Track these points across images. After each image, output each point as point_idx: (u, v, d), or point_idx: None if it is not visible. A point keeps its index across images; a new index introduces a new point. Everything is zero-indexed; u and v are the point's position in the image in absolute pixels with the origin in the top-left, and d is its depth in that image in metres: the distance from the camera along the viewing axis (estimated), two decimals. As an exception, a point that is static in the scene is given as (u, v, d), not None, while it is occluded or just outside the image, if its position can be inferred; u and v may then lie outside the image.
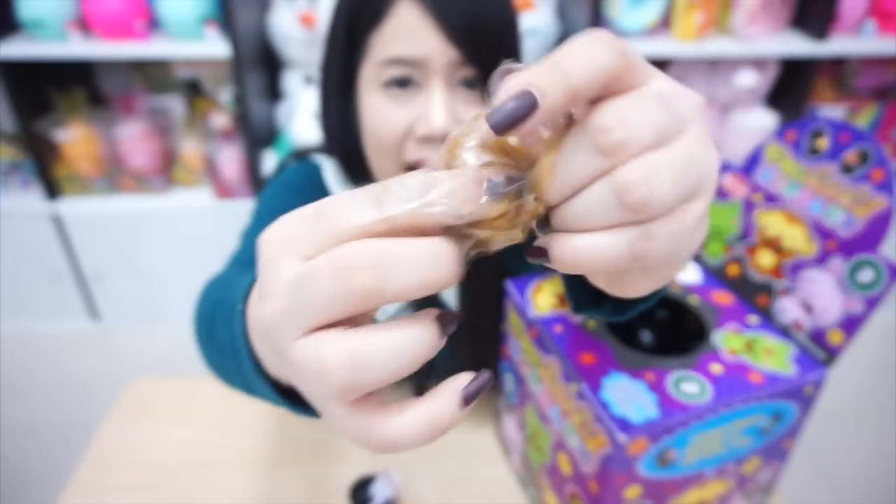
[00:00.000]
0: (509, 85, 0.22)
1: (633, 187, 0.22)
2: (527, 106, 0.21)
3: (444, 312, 0.23)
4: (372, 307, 0.22)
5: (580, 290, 0.39)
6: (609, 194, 0.22)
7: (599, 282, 0.31)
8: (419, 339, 0.22)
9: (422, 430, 0.23)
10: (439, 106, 0.55)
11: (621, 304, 0.38)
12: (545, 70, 0.21)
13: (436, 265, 0.22)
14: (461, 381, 0.24)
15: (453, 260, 0.22)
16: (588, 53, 0.22)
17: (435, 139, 0.56)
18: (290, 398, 0.34)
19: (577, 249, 0.24)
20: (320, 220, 0.22)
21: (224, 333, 0.48)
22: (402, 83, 0.56)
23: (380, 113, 0.57)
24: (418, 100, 0.57)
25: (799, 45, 1.51)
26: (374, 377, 0.22)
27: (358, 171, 0.66)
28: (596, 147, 0.22)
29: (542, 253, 0.26)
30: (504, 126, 0.22)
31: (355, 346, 0.22)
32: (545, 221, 0.26)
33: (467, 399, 0.23)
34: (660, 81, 0.24)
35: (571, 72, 0.21)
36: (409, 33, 0.54)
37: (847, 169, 0.52)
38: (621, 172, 0.22)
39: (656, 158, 0.22)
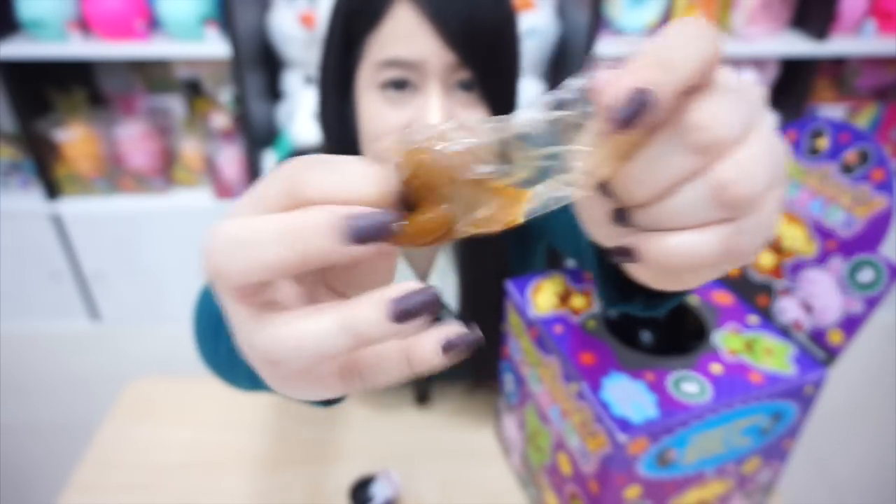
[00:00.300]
0: (622, 83, 0.21)
1: (730, 186, 0.22)
2: (643, 106, 0.21)
3: (406, 294, 0.21)
4: (242, 284, 0.21)
5: (611, 285, 0.39)
6: (704, 193, 0.22)
7: (644, 276, 0.30)
8: (338, 328, 0.21)
9: (399, 367, 0.23)
10: (436, 108, 0.55)
11: (653, 299, 0.38)
12: (656, 66, 0.21)
13: (298, 243, 0.20)
14: (447, 332, 0.22)
15: (325, 238, 0.20)
16: (693, 46, 0.21)
17: None
18: None
19: (670, 249, 0.24)
20: (254, 188, 0.23)
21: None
22: (399, 85, 0.56)
23: (376, 114, 0.57)
24: (415, 102, 0.57)
25: (799, 45, 1.51)
26: (296, 363, 0.21)
27: None
28: (691, 145, 0.22)
29: (627, 252, 0.25)
30: (622, 128, 0.21)
31: (266, 334, 0.21)
32: (621, 218, 0.25)
33: (447, 347, 0.22)
34: (727, 72, 0.24)
35: (680, 67, 0.21)
36: (405, 35, 0.54)
37: (847, 169, 0.52)
38: (718, 171, 0.22)
39: (747, 154, 0.22)
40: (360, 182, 0.21)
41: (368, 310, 0.20)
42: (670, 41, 0.21)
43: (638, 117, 0.21)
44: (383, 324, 0.20)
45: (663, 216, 0.23)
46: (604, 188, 0.24)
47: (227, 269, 0.21)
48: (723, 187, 0.22)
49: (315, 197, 0.21)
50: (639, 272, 0.30)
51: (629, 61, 0.21)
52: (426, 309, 0.21)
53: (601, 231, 0.29)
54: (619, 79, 0.21)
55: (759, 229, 0.23)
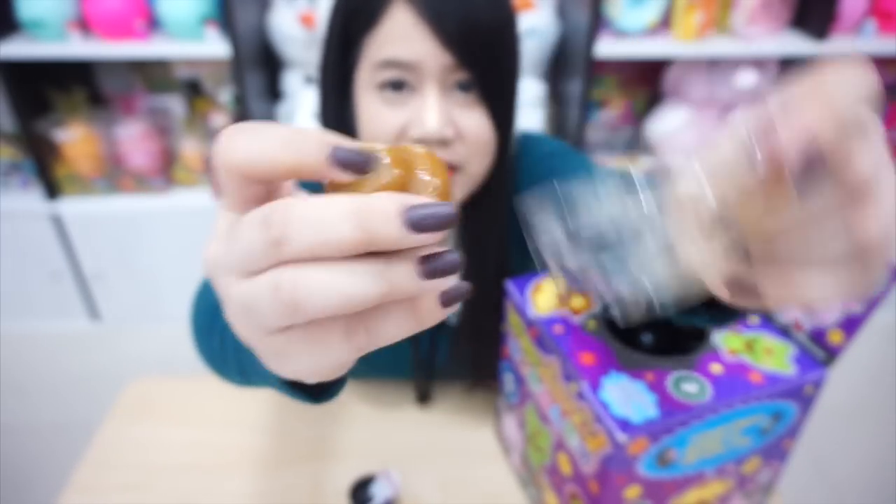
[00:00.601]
0: (795, 130, 0.21)
1: (876, 232, 0.22)
2: (818, 155, 0.21)
3: (438, 253, 0.22)
4: (284, 258, 0.21)
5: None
6: (841, 232, 0.22)
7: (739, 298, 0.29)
8: (373, 277, 0.21)
9: (405, 320, 0.23)
10: (433, 109, 0.55)
11: (720, 313, 0.38)
12: (825, 108, 0.21)
13: (332, 226, 0.20)
14: (443, 286, 0.23)
15: (360, 220, 0.20)
16: (855, 87, 0.22)
17: (428, 141, 0.56)
18: (292, 385, 0.34)
19: (797, 290, 0.23)
20: None
21: (225, 322, 0.48)
22: (397, 86, 0.56)
23: (375, 115, 0.57)
24: (413, 103, 0.56)
25: (799, 45, 1.51)
26: (319, 307, 0.21)
27: None
28: (843, 183, 0.22)
29: (749, 291, 0.25)
30: (796, 176, 0.21)
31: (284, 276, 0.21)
32: (742, 253, 0.25)
33: (445, 300, 0.23)
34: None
35: (846, 110, 0.21)
36: (402, 36, 0.54)
37: (847, 169, 0.52)
38: (867, 216, 0.22)
39: (890, 200, 0.22)
40: (277, 148, 0.21)
41: (404, 265, 0.21)
42: (833, 82, 0.21)
43: (811, 166, 0.21)
44: (414, 278, 0.21)
45: (790, 249, 0.23)
46: (726, 218, 0.24)
47: (294, 241, 0.20)
48: (868, 232, 0.22)
49: (237, 163, 0.22)
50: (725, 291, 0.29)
51: (790, 101, 0.21)
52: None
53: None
54: (791, 124, 0.21)
55: (882, 272, 0.23)
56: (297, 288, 0.20)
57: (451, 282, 0.22)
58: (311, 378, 0.25)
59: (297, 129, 0.22)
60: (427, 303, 0.23)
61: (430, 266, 0.21)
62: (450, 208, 0.21)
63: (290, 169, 0.21)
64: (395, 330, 0.23)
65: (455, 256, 0.22)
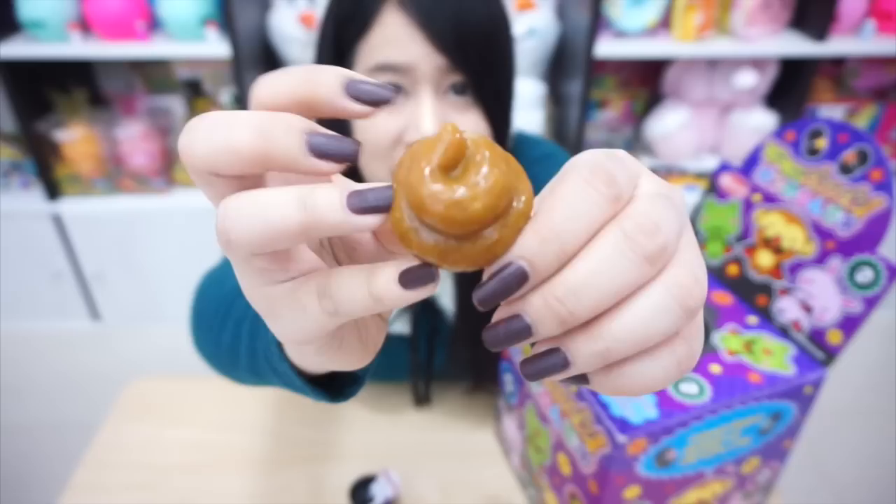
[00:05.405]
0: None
1: (689, 287, 0.20)
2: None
3: (365, 189, 0.20)
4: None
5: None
6: (664, 299, 0.20)
7: None
8: (295, 200, 0.20)
9: (360, 290, 0.21)
10: (428, 113, 0.55)
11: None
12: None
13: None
14: (406, 264, 0.21)
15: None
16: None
17: None
18: (308, 382, 0.34)
19: (632, 382, 0.21)
20: None
21: (242, 313, 0.47)
22: None
23: (370, 121, 0.57)
24: (408, 107, 0.56)
25: (799, 46, 1.51)
26: (249, 236, 0.20)
27: (351, 177, 0.66)
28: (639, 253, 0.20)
29: (584, 381, 0.23)
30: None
31: (227, 203, 0.21)
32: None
33: (406, 280, 0.21)
34: (654, 179, 0.22)
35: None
36: (395, 40, 0.53)
37: (846, 169, 0.52)
38: (678, 276, 0.20)
39: (692, 254, 0.21)
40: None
41: (329, 194, 0.20)
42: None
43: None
44: (339, 209, 0.20)
45: (626, 335, 0.20)
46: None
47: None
48: (683, 290, 0.20)
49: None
50: None
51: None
52: (381, 206, 0.20)
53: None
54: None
55: (699, 334, 0.22)
56: (226, 216, 0.20)
57: (377, 219, 0.20)
58: (301, 341, 0.24)
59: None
60: (383, 276, 0.21)
61: (358, 196, 0.20)
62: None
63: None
64: (349, 295, 0.21)
65: (387, 193, 0.20)
